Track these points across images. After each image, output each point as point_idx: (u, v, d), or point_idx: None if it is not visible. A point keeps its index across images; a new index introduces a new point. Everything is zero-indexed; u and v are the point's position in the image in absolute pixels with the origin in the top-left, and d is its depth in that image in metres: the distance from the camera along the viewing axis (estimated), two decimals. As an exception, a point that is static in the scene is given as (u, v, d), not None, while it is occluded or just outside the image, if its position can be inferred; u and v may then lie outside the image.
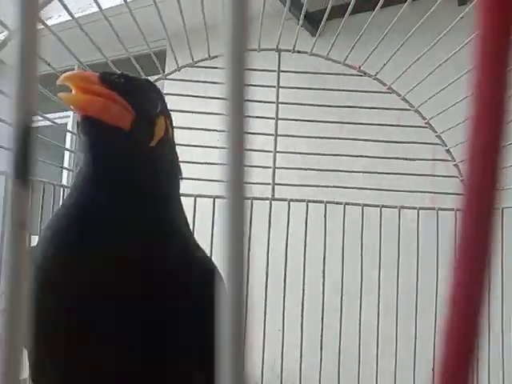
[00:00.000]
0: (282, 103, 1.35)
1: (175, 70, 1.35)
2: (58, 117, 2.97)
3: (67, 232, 0.53)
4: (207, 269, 0.59)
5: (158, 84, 1.36)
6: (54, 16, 2.89)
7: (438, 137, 1.33)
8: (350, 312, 1.27)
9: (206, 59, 1.36)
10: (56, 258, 0.52)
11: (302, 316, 1.27)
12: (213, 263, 0.62)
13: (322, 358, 1.26)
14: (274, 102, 1.36)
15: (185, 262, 0.57)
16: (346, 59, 1.33)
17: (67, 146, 3.85)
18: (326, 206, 1.30)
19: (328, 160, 1.40)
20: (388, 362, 1.28)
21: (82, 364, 0.51)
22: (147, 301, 0.52)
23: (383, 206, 1.31)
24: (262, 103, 1.37)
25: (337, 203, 1.31)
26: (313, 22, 2.38)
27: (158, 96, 0.60)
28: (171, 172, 0.61)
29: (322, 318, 1.27)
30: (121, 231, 0.53)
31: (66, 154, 3.68)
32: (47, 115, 1.20)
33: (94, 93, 0.53)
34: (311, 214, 1.31)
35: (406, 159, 1.36)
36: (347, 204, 1.31)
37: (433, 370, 1.28)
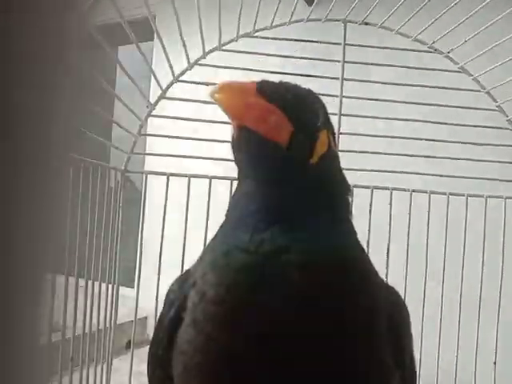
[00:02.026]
0: (348, 79, 1.25)
1: (232, 40, 1.23)
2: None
3: (246, 265, 0.45)
4: (401, 303, 0.54)
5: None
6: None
7: (509, 121, 1.27)
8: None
9: (266, 28, 1.24)
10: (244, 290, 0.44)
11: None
12: (397, 291, 0.56)
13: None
14: (338, 78, 1.26)
15: (379, 292, 0.51)
16: (417, 35, 1.23)
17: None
18: (391, 192, 1.24)
19: (395, 143, 1.32)
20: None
21: None
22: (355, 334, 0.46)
23: (450, 194, 1.26)
24: (324, 79, 1.28)
25: (403, 190, 1.25)
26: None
27: (320, 107, 0.52)
28: (337, 190, 0.53)
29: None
30: (303, 262, 0.45)
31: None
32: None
33: (250, 106, 0.46)
34: (374, 200, 1.24)
35: (474, 144, 1.29)
36: (414, 191, 1.25)
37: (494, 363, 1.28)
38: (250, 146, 0.48)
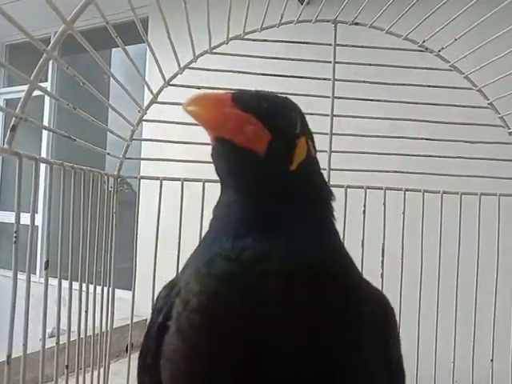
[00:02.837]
0: (339, 80, 1.25)
1: (222, 43, 1.23)
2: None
3: (227, 271, 0.45)
4: (386, 305, 0.54)
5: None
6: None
7: (501, 118, 1.27)
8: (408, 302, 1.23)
9: (256, 31, 1.24)
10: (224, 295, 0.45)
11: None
12: (382, 293, 0.56)
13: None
14: (329, 79, 1.26)
15: (366, 297, 0.51)
16: (408, 34, 1.23)
17: (45, 117, 3.63)
18: (385, 192, 1.24)
19: (387, 143, 1.32)
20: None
21: None
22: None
23: (444, 192, 1.26)
24: (315, 80, 1.28)
25: (397, 189, 1.25)
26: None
27: (298, 114, 0.52)
28: (318, 195, 0.53)
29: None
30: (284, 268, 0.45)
31: (45, 122, 3.46)
32: (23, 86, 1.00)
33: (226, 116, 0.45)
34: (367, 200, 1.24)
35: (466, 142, 1.29)
36: (407, 190, 1.25)
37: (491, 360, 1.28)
38: (228, 157, 0.47)
